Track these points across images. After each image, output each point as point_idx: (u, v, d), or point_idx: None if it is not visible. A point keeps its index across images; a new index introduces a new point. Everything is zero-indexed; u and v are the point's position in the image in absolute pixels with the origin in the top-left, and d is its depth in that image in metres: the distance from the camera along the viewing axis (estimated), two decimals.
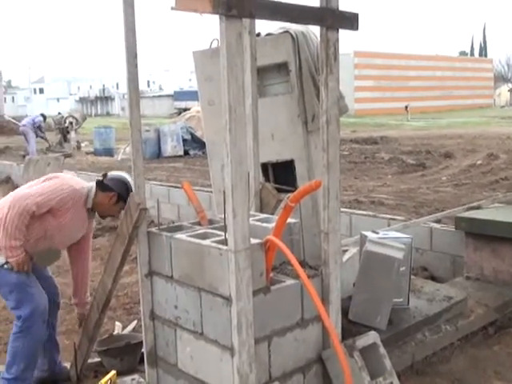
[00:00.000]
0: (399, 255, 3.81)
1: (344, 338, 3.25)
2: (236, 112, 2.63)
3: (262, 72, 4.31)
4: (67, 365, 4.13)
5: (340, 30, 3.08)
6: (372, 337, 3.28)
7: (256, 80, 4.02)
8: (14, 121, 28.33)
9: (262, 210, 4.00)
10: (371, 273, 3.85)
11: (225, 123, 2.64)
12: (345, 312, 3.78)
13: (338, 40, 3.07)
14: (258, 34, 4.41)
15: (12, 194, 3.58)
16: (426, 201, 9.49)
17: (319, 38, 3.12)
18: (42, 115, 19.67)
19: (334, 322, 3.16)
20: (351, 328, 3.74)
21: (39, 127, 18.84)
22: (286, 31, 4.37)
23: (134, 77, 3.17)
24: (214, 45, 4.55)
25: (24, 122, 19.29)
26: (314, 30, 4.53)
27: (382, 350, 3.26)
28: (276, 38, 4.42)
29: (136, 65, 3.17)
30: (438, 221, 6.30)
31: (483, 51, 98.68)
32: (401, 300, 4.15)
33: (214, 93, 4.41)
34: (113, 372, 3.45)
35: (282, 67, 4.44)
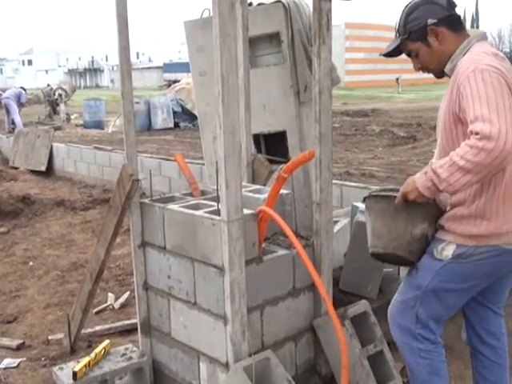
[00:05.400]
0: None
1: (335, 307, 3.29)
2: (229, 82, 2.61)
3: (253, 42, 4.29)
4: (61, 336, 4.17)
5: (332, 0, 3.06)
6: (363, 306, 3.32)
7: (248, 50, 3.99)
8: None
9: (253, 181, 4.01)
10: (362, 243, 3.87)
11: (217, 94, 2.62)
12: (336, 282, 3.82)
13: (330, 10, 3.05)
14: (250, 4, 4.38)
15: None
16: (416, 173, 9.50)
17: (311, 8, 3.10)
18: (22, 88, 19.22)
19: None
20: (342, 297, 3.79)
21: (21, 104, 18.50)
22: (278, 1, 4.34)
23: (125, 47, 3.15)
24: (205, 15, 4.51)
25: (7, 94, 18.62)
26: (307, 0, 4.50)
27: (373, 318, 3.30)
28: (268, 8, 4.39)
29: (127, 34, 3.14)
30: None
31: (475, 23, 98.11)
32: (391, 270, 4.20)
33: (206, 63, 4.40)
34: (106, 341, 3.47)
35: (274, 37, 4.41)
